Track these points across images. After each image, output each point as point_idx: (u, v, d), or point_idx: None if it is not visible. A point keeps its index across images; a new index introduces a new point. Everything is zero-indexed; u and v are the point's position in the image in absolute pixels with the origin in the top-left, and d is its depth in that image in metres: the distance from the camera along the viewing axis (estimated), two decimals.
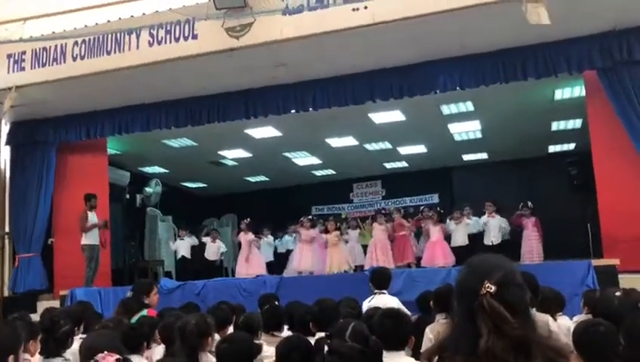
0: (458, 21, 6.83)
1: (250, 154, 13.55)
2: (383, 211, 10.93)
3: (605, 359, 2.47)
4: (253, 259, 10.61)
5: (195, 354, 3.16)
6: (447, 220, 10.66)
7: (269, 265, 11.61)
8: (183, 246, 12.05)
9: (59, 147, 10.11)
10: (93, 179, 10.31)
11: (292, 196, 16.16)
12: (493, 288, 1.46)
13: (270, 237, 12.91)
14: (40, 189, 9.82)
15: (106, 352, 2.16)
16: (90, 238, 9.36)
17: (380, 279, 5.39)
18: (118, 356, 2.16)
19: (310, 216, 11.06)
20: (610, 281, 6.54)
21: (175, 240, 12.70)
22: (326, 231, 10.78)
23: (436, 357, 1.52)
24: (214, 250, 12.29)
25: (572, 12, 6.73)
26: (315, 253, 10.58)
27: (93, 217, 9.44)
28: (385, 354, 2.61)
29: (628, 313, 2.42)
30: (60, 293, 9.10)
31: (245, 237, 10.73)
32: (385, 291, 5.29)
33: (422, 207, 11.58)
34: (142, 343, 3.64)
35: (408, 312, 5.18)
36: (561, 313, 4.35)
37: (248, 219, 11.04)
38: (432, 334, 3.81)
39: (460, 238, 10.38)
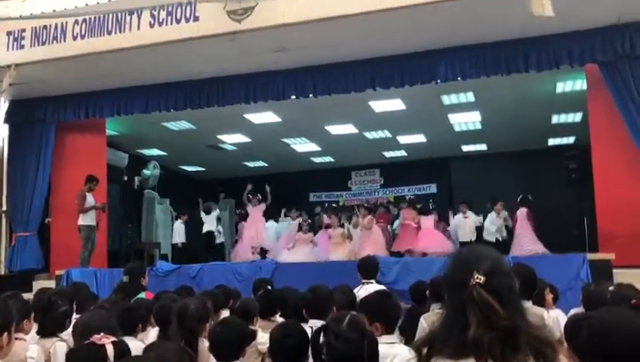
0: (462, 11, 6.78)
1: (250, 140, 13.52)
2: (365, 205, 10.90)
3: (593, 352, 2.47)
4: (262, 232, 10.55)
5: (194, 337, 3.16)
6: (454, 215, 10.66)
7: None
8: (181, 228, 12.09)
9: (57, 126, 10.05)
10: (91, 159, 10.29)
11: (290, 182, 16.16)
12: (482, 278, 1.46)
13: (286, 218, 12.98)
14: (38, 168, 9.79)
15: (102, 334, 2.16)
16: (88, 219, 9.35)
17: (367, 268, 5.32)
18: (114, 338, 2.16)
19: (308, 221, 11.05)
20: (604, 276, 6.54)
21: (172, 222, 12.80)
22: (327, 226, 10.65)
23: (426, 349, 1.53)
24: (211, 219, 12.35)
25: (575, 5, 6.69)
26: (309, 250, 10.48)
27: (90, 199, 9.42)
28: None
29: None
30: (56, 273, 9.10)
31: (256, 208, 10.63)
32: (372, 281, 5.24)
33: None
34: (137, 325, 3.65)
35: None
36: (553, 306, 4.37)
37: (259, 195, 11.01)
38: (426, 323, 3.83)
39: (468, 233, 10.36)
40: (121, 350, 2.09)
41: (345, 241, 9.91)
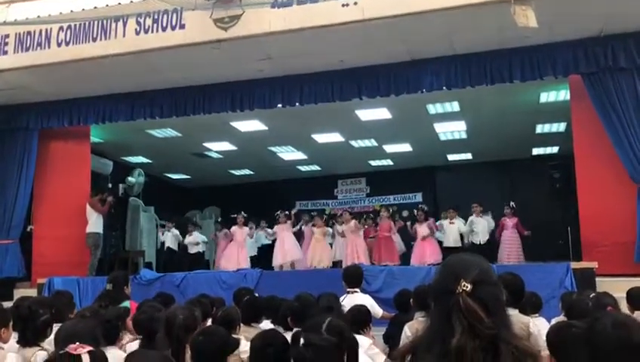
0: (447, 21, 6.84)
1: (236, 148, 13.48)
2: (349, 210, 10.93)
3: (577, 360, 2.48)
4: (243, 254, 10.55)
5: (182, 347, 3.12)
6: (441, 220, 10.65)
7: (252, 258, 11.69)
8: (169, 237, 12.05)
9: (41, 133, 9.96)
10: (75, 166, 10.21)
11: (276, 190, 16.11)
12: (469, 286, 1.45)
13: (269, 230, 12.92)
14: (20, 175, 9.69)
15: (78, 343, 2.12)
16: (97, 226, 9.44)
17: (352, 277, 5.32)
18: (90, 347, 2.12)
19: (287, 212, 11.00)
20: (587, 284, 6.62)
21: (163, 231, 12.75)
22: (313, 226, 10.73)
23: (409, 356, 1.52)
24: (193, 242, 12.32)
25: (559, 17, 6.78)
26: (295, 241, 10.61)
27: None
28: None
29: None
30: (37, 281, 9.00)
31: (241, 231, 10.67)
32: (357, 289, 5.25)
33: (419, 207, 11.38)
34: (118, 334, 3.61)
35: (379, 311, 5.25)
36: (537, 314, 4.39)
37: (243, 213, 11.00)
38: (410, 332, 3.81)
39: (452, 239, 10.36)
40: (98, 359, 2.05)
41: (325, 239, 10.01)
